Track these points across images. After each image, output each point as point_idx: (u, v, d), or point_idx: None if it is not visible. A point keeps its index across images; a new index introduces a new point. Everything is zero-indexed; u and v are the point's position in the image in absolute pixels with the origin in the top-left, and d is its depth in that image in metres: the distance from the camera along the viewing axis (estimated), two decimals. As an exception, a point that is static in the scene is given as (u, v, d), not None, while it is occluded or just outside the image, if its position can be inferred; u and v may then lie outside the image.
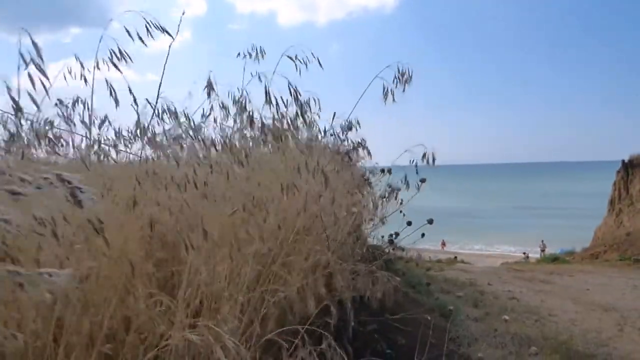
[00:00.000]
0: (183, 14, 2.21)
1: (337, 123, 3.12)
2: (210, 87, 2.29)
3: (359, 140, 3.23)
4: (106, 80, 1.89)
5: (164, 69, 2.44)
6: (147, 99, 2.50)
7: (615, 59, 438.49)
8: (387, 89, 2.53)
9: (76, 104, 2.10)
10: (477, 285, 8.20)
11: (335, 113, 2.94)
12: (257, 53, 2.49)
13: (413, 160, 2.71)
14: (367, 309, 2.83)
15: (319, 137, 3.03)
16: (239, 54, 2.53)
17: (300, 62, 2.48)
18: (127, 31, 1.81)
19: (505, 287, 8.32)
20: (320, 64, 2.48)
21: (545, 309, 6.55)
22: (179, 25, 2.50)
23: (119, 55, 1.80)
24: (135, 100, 2.00)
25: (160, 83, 2.48)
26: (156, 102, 2.55)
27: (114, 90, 1.91)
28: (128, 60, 1.82)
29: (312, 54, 2.46)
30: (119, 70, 1.81)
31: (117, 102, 1.94)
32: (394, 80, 2.56)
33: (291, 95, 2.44)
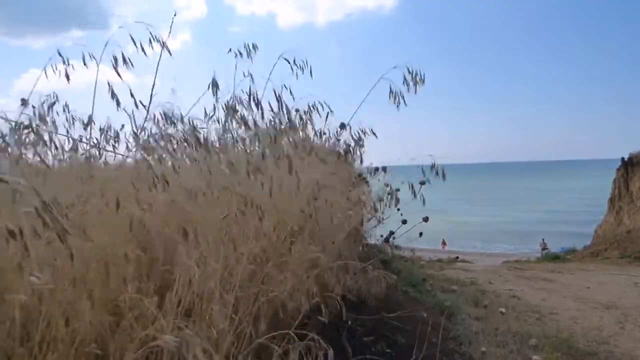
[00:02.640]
0: (174, 15, 2.22)
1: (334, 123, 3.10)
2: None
3: (356, 140, 3.20)
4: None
5: (156, 74, 2.46)
6: (140, 101, 2.52)
7: (615, 58, 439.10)
8: (396, 92, 2.37)
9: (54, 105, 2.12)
10: (478, 284, 8.16)
11: (328, 113, 2.92)
12: (248, 51, 2.47)
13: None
14: (365, 308, 2.81)
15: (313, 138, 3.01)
16: (229, 50, 2.52)
17: (297, 66, 2.46)
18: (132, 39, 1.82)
19: (506, 286, 8.28)
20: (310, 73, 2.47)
21: (546, 307, 6.51)
22: (170, 28, 2.51)
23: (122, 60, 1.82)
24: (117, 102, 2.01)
25: (153, 86, 2.50)
26: (149, 105, 2.56)
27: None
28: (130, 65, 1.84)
29: (306, 60, 2.44)
30: (119, 75, 1.83)
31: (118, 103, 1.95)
32: (404, 82, 2.36)
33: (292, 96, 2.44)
